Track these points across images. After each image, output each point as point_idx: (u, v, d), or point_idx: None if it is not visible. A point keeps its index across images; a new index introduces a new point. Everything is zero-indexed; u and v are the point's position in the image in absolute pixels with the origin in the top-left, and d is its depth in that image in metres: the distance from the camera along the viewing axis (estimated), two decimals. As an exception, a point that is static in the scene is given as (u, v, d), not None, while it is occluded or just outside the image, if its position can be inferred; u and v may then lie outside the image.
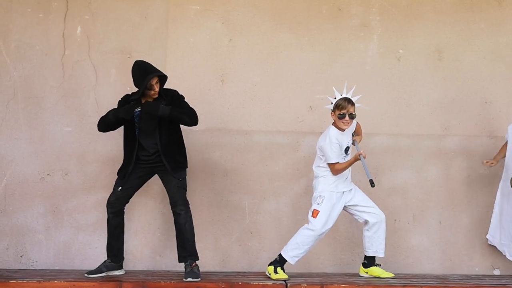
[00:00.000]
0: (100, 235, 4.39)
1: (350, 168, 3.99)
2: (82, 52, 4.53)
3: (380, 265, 4.05)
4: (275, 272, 3.90)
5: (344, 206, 3.99)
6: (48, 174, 4.44)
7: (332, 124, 3.98)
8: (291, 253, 3.92)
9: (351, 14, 4.65)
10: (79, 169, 4.45)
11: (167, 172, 3.92)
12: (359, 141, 4.03)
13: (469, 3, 4.68)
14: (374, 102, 4.60)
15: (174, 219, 3.93)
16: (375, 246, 3.99)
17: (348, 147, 3.97)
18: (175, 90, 4.08)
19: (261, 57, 4.60)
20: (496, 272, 4.52)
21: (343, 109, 3.88)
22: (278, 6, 4.63)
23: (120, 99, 4.07)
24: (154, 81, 3.91)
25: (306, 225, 3.94)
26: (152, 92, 3.91)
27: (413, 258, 4.51)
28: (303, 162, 4.51)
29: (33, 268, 4.34)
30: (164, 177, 3.98)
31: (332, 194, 3.92)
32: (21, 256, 4.38)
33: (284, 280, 3.84)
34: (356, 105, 3.95)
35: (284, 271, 3.92)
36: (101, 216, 4.41)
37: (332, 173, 3.91)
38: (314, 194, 3.97)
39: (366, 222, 4.01)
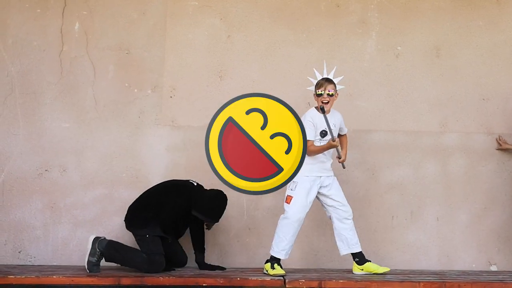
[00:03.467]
0: (98, 231, 4.38)
1: (329, 156, 3.98)
2: (80, 48, 4.52)
3: (371, 261, 4.03)
4: (272, 268, 3.91)
5: (322, 195, 3.96)
6: (46, 170, 4.43)
7: (315, 107, 4.02)
8: (276, 248, 3.93)
9: (349, 10, 4.65)
10: (77, 165, 4.45)
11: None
12: (342, 159, 4.00)
13: (467, 1, 4.69)
14: (372, 99, 4.61)
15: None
16: (345, 242, 3.96)
17: (325, 131, 3.92)
18: None
19: (259, 54, 4.60)
20: (493, 268, 4.54)
21: (321, 87, 3.93)
22: (277, 2, 4.63)
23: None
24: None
25: (282, 215, 3.94)
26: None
27: (411, 254, 4.53)
28: (301, 159, 4.51)
29: (31, 264, 4.34)
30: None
31: (305, 179, 3.88)
32: (19, 252, 4.37)
33: (282, 276, 3.85)
34: (339, 87, 3.99)
35: (281, 267, 3.93)
36: (99, 212, 4.42)
37: (306, 152, 3.83)
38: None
39: (330, 218, 4.00)
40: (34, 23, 4.52)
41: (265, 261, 4.01)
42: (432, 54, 4.66)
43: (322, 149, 3.90)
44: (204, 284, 3.68)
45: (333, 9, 4.64)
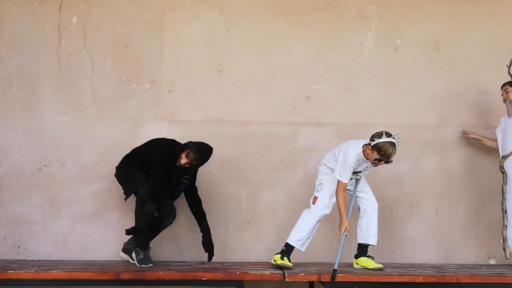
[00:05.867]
0: (97, 226, 4.39)
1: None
2: (77, 42, 4.50)
3: (374, 258, 4.03)
4: (282, 258, 3.93)
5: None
6: (44, 165, 4.42)
7: (363, 146, 3.87)
8: (294, 237, 3.97)
9: (348, 4, 4.64)
10: (75, 160, 4.44)
11: None
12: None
13: (466, -6, 4.69)
14: (371, 93, 4.61)
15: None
16: (364, 232, 4.01)
17: (359, 171, 3.97)
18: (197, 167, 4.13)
19: (258, 48, 4.59)
20: (492, 261, 4.55)
21: (384, 156, 3.75)
22: (275, -4, 4.62)
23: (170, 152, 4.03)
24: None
25: (307, 209, 4.02)
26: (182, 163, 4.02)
27: (410, 248, 4.53)
28: (300, 153, 4.52)
29: (30, 259, 4.33)
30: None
31: (332, 183, 3.97)
32: (19, 247, 4.37)
33: (282, 269, 3.85)
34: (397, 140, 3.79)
35: (289, 261, 3.93)
36: (98, 206, 4.42)
37: (336, 187, 3.88)
38: (316, 180, 4.05)
39: (359, 208, 4.06)
40: (31, 17, 4.49)
41: (276, 253, 4.02)
42: (431, 48, 4.65)
43: (339, 208, 3.86)
44: (203, 278, 3.69)
45: (332, 3, 4.63)
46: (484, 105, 4.64)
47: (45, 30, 4.49)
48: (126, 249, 4.16)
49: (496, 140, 4.41)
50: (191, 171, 4.07)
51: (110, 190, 4.43)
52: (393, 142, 3.77)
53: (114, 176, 4.43)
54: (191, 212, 4.27)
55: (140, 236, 4.01)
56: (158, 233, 4.15)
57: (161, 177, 3.99)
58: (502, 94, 4.38)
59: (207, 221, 4.17)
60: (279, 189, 4.52)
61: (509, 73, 4.30)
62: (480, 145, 4.59)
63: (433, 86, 4.64)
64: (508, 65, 4.29)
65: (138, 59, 4.53)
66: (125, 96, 4.51)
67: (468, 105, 4.63)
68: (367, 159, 3.87)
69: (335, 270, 3.72)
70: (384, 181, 4.56)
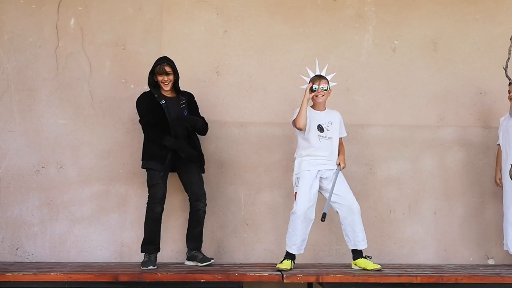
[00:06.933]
0: (95, 228, 4.39)
1: (334, 148, 4.00)
2: (75, 44, 4.51)
3: (371, 258, 4.01)
4: (281, 262, 3.94)
5: (322, 189, 3.98)
6: (43, 167, 4.42)
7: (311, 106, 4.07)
8: (288, 243, 3.96)
9: (346, 5, 4.64)
10: (74, 162, 4.44)
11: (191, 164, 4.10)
12: (342, 166, 4.03)
13: (464, -6, 4.69)
14: (369, 93, 4.61)
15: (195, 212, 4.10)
16: (352, 238, 3.96)
17: (321, 126, 3.99)
18: (191, 94, 4.23)
19: (256, 49, 4.59)
20: (490, 261, 4.55)
21: (315, 83, 3.98)
22: (273, -3, 4.62)
23: (143, 96, 4.13)
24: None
25: (291, 211, 3.98)
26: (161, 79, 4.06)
27: (408, 248, 4.54)
28: (299, 154, 4.51)
29: (28, 261, 4.34)
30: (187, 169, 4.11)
31: (306, 173, 3.95)
32: (17, 249, 4.37)
33: (280, 271, 3.86)
34: (331, 84, 4.02)
35: (291, 263, 3.92)
36: (97, 208, 4.42)
37: (295, 125, 3.95)
38: (293, 177, 4.03)
39: (337, 213, 4.00)
40: (29, 19, 4.49)
41: None
42: (429, 48, 4.65)
43: (302, 105, 3.94)
44: (202, 280, 3.69)
45: (330, 4, 4.63)
46: (483, 105, 4.64)
47: (43, 32, 4.49)
48: (190, 257, 4.12)
49: (499, 147, 4.37)
50: (184, 95, 4.11)
51: (108, 192, 4.43)
52: (317, 74, 4.01)
53: (112, 178, 4.44)
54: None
55: (146, 230, 4.05)
56: (199, 225, 4.10)
57: (147, 117, 4.03)
58: (509, 91, 4.29)
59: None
60: (278, 190, 4.52)
61: (506, 75, 4.30)
62: (478, 145, 4.58)
63: (431, 86, 4.64)
64: (505, 67, 4.30)
65: (136, 60, 4.54)
66: (124, 97, 4.51)
67: (466, 105, 4.63)
68: (316, 107, 4.02)
69: (324, 213, 3.83)
70: (383, 181, 4.56)
